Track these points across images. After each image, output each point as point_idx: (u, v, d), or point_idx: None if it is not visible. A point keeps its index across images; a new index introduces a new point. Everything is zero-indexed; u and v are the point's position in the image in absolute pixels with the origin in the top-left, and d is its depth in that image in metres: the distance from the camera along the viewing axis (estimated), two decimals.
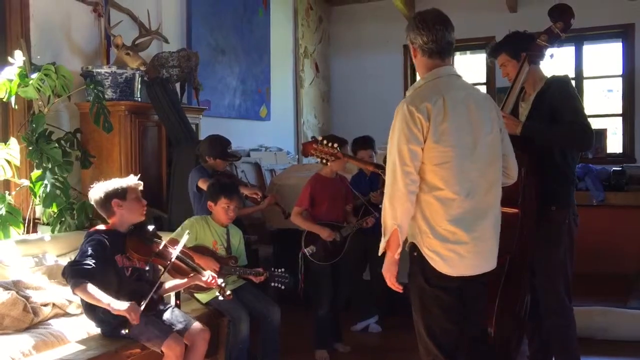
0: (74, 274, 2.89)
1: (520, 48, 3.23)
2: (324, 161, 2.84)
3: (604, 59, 7.40)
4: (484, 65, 7.73)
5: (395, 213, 2.41)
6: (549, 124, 3.16)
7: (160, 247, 3.10)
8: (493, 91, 7.50)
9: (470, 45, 7.87)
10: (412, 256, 2.51)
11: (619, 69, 7.18)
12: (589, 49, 7.30)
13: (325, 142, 2.82)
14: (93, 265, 2.91)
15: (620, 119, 7.18)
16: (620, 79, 7.16)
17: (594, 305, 4.58)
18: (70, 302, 3.40)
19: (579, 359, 3.40)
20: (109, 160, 4.55)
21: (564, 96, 3.17)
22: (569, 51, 7.19)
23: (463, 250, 2.43)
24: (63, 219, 4.16)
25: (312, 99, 8.09)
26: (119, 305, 2.83)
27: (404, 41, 7.91)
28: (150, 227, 3.16)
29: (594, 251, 5.51)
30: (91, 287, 2.86)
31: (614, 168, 6.68)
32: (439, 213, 2.41)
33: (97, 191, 3.14)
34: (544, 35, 3.18)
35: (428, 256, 2.44)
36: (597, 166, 6.65)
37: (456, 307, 2.51)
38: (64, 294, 3.41)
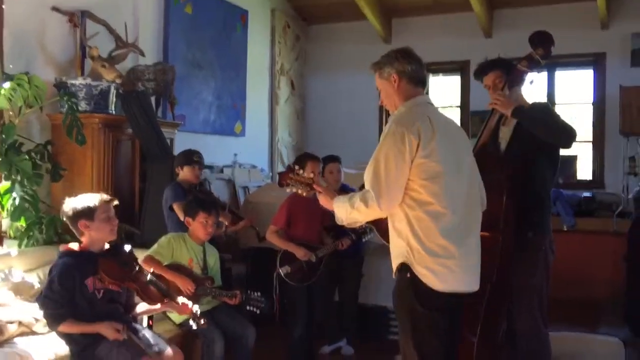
0: (51, 320, 2.91)
1: (510, 69, 3.25)
2: (299, 191, 2.77)
3: (575, 86, 7.53)
4: (458, 88, 7.79)
5: (357, 218, 2.55)
6: (532, 148, 3.16)
7: (135, 270, 3.01)
8: (467, 114, 7.57)
9: (444, 68, 7.94)
10: (405, 278, 2.50)
11: (589, 96, 7.30)
12: (560, 75, 7.42)
13: (301, 171, 2.78)
14: (63, 302, 2.89)
15: (590, 145, 7.28)
16: (590, 106, 7.27)
17: (563, 330, 4.59)
18: (37, 320, 3.28)
19: None
20: (80, 174, 4.45)
21: (547, 115, 3.20)
22: (541, 77, 7.28)
23: (453, 265, 2.46)
24: (31, 234, 4.04)
25: (287, 117, 8.06)
26: (102, 327, 2.90)
27: None
28: (127, 248, 3.07)
29: (564, 276, 5.54)
30: (71, 325, 2.90)
31: (584, 194, 6.78)
32: (430, 228, 2.45)
33: (66, 209, 3.04)
34: (525, 61, 3.21)
35: (420, 274, 2.45)
36: (568, 191, 6.74)
37: (447, 329, 2.52)
38: (30, 311, 3.30)
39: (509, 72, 3.29)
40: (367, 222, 2.79)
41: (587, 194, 6.80)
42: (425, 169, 2.44)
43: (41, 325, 3.28)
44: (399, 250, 2.53)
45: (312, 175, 2.76)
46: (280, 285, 4.17)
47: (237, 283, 5.03)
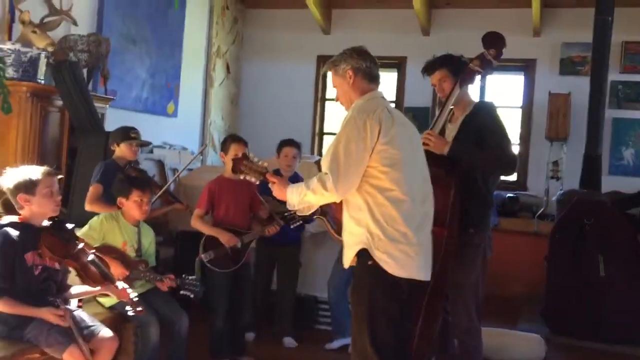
0: None
1: (459, 68, 3.28)
2: (252, 179, 2.74)
3: (505, 89, 7.75)
4: (394, 84, 7.85)
5: (311, 200, 2.55)
6: (476, 146, 3.22)
7: (77, 248, 2.85)
8: (402, 111, 7.63)
9: (381, 63, 7.92)
10: (364, 264, 2.52)
11: (518, 101, 7.53)
12: (492, 78, 7.59)
13: (256, 159, 2.76)
14: (3, 272, 2.70)
15: (515, 148, 7.50)
16: (519, 110, 7.51)
17: (485, 326, 4.72)
18: None
19: None
20: (3, 144, 4.24)
21: (492, 121, 3.26)
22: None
23: (412, 252, 2.52)
24: None
25: (221, 100, 7.90)
26: (44, 312, 2.73)
27: (318, 51, 7.97)
28: (70, 226, 2.89)
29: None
30: (9, 302, 2.70)
31: (508, 194, 7.01)
32: (391, 214, 2.49)
33: (7, 179, 2.83)
34: (477, 61, 3.25)
35: (381, 260, 2.48)
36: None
37: (402, 320, 2.57)
38: None
39: (457, 71, 3.33)
40: (318, 216, 2.81)
41: (511, 194, 7.02)
42: (386, 156, 2.50)
43: None
44: (358, 238, 2.54)
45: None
46: (204, 272, 4.05)
47: (164, 267, 4.88)
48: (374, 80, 2.71)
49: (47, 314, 2.71)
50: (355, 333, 2.59)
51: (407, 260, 2.50)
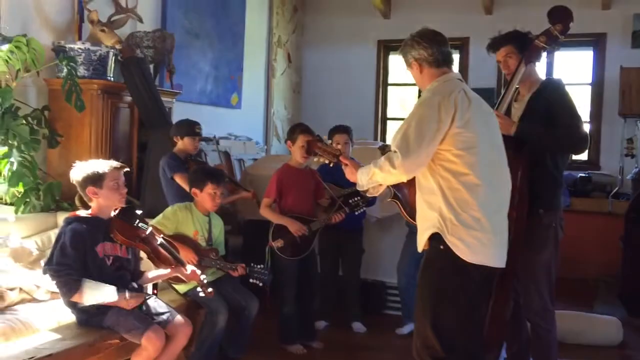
0: (68, 288, 2.81)
1: (525, 45, 3.19)
2: (326, 161, 2.78)
3: (574, 66, 7.49)
4: (457, 65, 7.73)
5: (378, 179, 2.55)
6: (544, 125, 3.13)
7: (147, 232, 2.95)
8: None
9: None
10: (437, 250, 2.49)
11: (588, 77, 7.27)
12: (560, 55, 7.35)
13: (330, 142, 2.80)
14: (77, 267, 2.80)
15: (586, 126, 7.26)
16: (589, 87, 7.25)
17: (559, 309, 4.61)
18: (38, 287, 3.21)
19: None
20: (77, 141, 4.37)
21: (561, 99, 3.16)
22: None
23: (485, 239, 2.46)
24: (28, 200, 3.95)
25: (283, 90, 7.97)
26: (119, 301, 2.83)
27: (379, 36, 7.90)
28: (138, 211, 2.99)
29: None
30: (87, 292, 2.79)
31: (580, 174, 6.79)
32: (465, 199, 2.44)
33: (76, 173, 2.97)
34: (543, 37, 3.16)
35: (452, 244, 2.44)
36: (564, 172, 6.73)
37: (475, 306, 2.53)
38: (31, 278, 3.23)
39: (523, 48, 3.24)
40: (391, 199, 2.80)
41: (583, 174, 6.81)
42: (461, 139, 2.44)
43: (42, 292, 3.22)
44: (430, 222, 2.50)
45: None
46: (272, 259, 4.11)
47: (233, 255, 4.98)
48: (444, 63, 2.61)
49: (121, 302, 2.81)
50: (419, 315, 2.57)
51: (480, 247, 2.44)
